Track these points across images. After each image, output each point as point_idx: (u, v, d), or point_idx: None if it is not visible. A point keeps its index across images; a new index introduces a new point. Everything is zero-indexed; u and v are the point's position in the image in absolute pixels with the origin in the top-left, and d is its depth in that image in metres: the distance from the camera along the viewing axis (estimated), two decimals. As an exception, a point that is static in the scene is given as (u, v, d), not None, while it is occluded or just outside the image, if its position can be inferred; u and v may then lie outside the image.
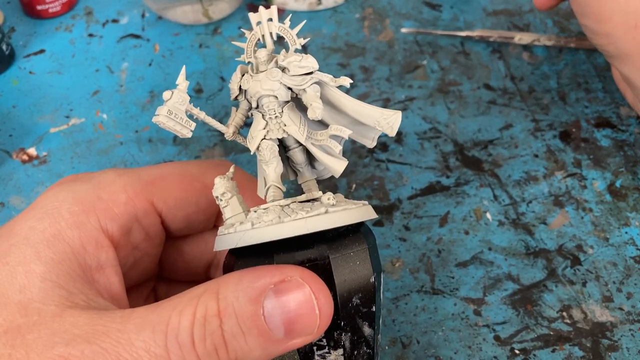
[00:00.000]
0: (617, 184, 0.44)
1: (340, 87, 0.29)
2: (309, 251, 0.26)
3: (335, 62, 0.53)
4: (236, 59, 0.30)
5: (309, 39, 0.29)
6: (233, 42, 0.31)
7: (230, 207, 0.28)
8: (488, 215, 0.43)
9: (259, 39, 0.29)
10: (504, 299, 0.39)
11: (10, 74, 0.54)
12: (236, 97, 0.30)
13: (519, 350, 0.37)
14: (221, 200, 0.29)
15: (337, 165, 0.29)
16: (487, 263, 0.41)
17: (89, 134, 0.49)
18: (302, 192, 0.31)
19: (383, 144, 0.47)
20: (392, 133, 0.28)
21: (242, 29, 0.30)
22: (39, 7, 0.57)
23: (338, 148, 0.29)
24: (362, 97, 0.50)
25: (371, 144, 0.30)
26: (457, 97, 0.50)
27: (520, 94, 0.50)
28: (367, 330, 0.27)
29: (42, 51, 0.55)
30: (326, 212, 0.26)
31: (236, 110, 0.30)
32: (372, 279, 0.27)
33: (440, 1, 0.58)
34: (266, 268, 0.25)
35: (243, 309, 0.24)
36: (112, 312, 0.25)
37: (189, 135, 0.28)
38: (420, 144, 0.47)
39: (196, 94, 0.51)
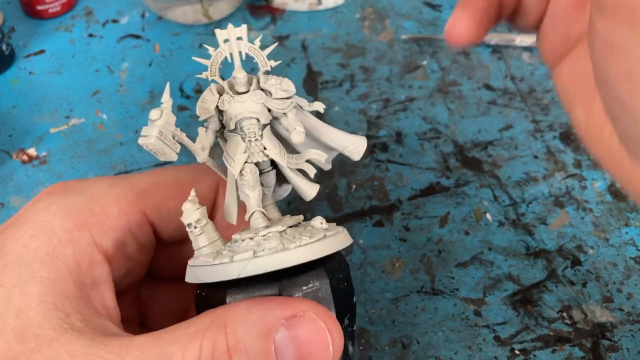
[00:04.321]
0: (617, 185, 0.44)
1: (312, 112, 0.29)
2: (309, 276, 0.25)
3: (335, 62, 0.53)
4: (197, 76, 0.29)
5: (280, 62, 0.29)
6: (193, 58, 0.29)
7: (206, 235, 0.27)
8: (488, 215, 0.43)
9: (225, 57, 0.28)
10: (504, 300, 0.39)
11: (10, 74, 0.54)
12: (206, 117, 0.29)
13: (519, 350, 0.37)
14: (195, 227, 0.27)
15: (311, 190, 0.29)
16: (487, 263, 0.41)
17: (89, 134, 0.49)
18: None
19: (383, 144, 0.47)
20: (358, 158, 0.29)
21: (204, 45, 0.29)
22: (39, 7, 0.57)
23: (313, 172, 0.29)
24: (362, 97, 0.50)
25: (327, 166, 0.31)
26: (457, 97, 0.50)
27: (520, 95, 0.50)
28: (350, 349, 0.27)
29: (42, 51, 0.55)
30: (324, 236, 0.26)
31: (206, 131, 0.29)
32: (354, 299, 0.27)
33: (440, 1, 0.58)
34: (275, 300, 0.24)
35: (254, 345, 0.23)
36: (110, 340, 0.24)
37: (175, 158, 0.26)
38: (420, 144, 0.47)
39: (196, 94, 0.51)
